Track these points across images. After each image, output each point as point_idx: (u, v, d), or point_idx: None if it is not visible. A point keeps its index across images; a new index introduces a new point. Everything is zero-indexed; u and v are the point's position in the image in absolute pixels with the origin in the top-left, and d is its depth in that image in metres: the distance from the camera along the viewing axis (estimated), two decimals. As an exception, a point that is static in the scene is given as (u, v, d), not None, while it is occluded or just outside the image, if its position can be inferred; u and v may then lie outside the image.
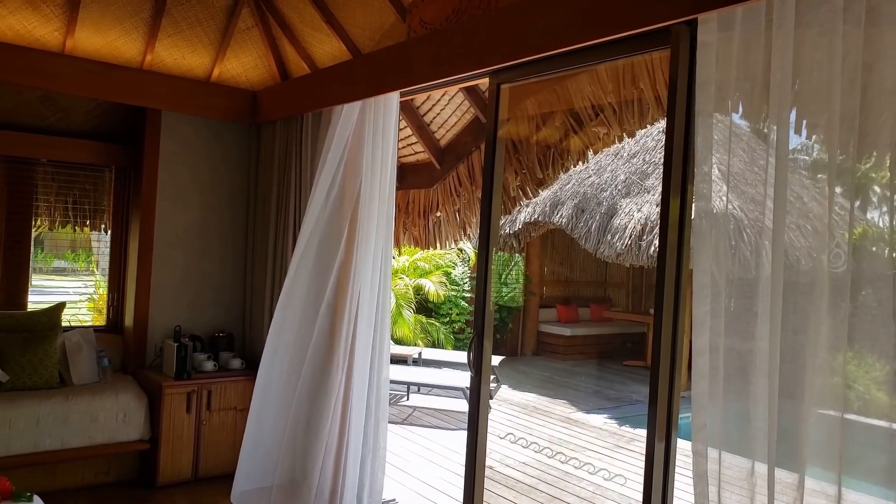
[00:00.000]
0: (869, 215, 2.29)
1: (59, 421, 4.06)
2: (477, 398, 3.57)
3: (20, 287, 4.70)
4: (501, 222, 9.47)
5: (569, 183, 9.07)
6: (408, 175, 5.23)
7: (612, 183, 8.58)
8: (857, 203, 2.07)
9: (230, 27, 4.64)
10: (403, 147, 5.14)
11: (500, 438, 6.18)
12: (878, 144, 2.01)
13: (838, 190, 2.07)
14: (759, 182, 2.30)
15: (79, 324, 4.89)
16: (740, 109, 2.42)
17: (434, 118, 4.77)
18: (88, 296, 6.27)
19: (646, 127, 3.92)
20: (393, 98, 3.94)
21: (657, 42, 2.62)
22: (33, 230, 4.80)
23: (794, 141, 2.26)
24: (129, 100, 4.64)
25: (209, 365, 4.63)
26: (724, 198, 2.52)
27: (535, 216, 9.08)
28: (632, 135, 3.92)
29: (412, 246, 5.43)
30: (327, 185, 4.08)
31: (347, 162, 4.03)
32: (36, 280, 5.33)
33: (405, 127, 4.94)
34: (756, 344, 2.20)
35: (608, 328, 11.46)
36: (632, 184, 8.33)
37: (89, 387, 4.34)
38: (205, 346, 4.86)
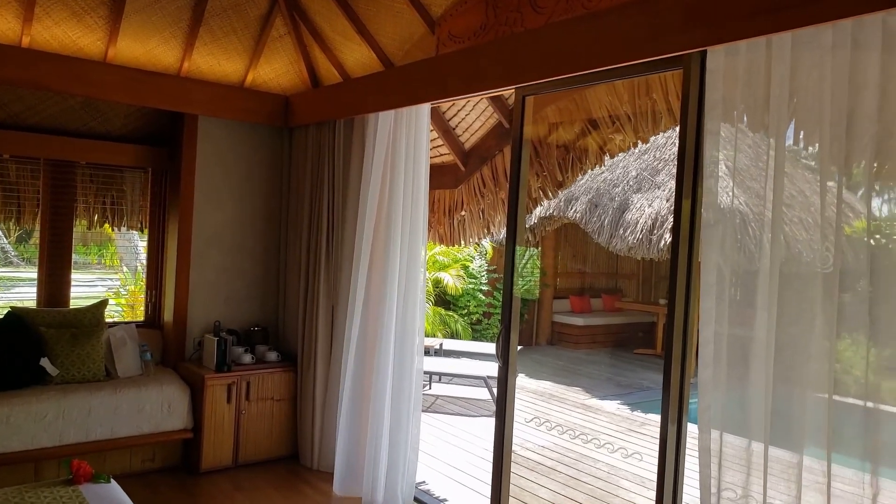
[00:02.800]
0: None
1: (108, 411, 4.32)
2: (504, 387, 3.81)
3: (63, 284, 4.96)
4: (516, 216, 9.68)
5: (583, 178, 9.25)
6: (434, 175, 5.44)
7: (625, 179, 8.77)
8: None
9: (264, 35, 4.85)
10: (430, 150, 5.36)
11: (522, 424, 6.44)
12: (864, 157, 2.24)
13: (830, 184, 2.31)
14: (761, 177, 2.55)
15: (110, 319, 5.13)
16: (745, 121, 2.65)
17: (459, 123, 4.98)
18: (115, 290, 6.55)
19: (658, 134, 4.12)
20: (425, 107, 4.15)
21: (671, 64, 2.83)
22: (74, 229, 5.04)
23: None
24: (168, 106, 4.87)
25: (247, 357, 4.89)
26: (731, 193, 2.73)
27: (550, 211, 9.29)
28: (645, 140, 4.13)
29: (437, 243, 5.64)
30: (378, 188, 4.29)
31: (385, 167, 4.24)
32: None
33: (432, 130, 5.15)
34: (755, 333, 2.44)
35: (620, 318, 11.69)
36: (643, 180, 8.52)
37: (134, 379, 4.60)
38: (241, 339, 5.11)
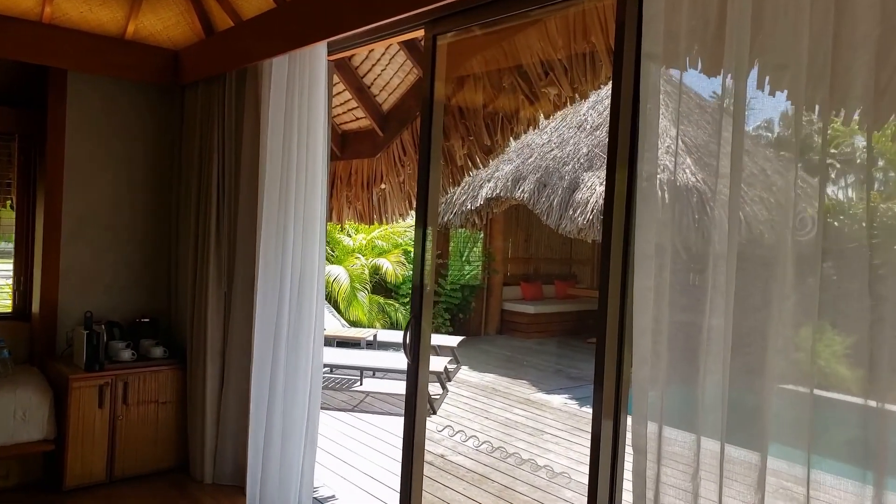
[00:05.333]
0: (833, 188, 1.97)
1: (-55, 421, 3.59)
2: (414, 387, 3.22)
3: None
4: (461, 198, 9.09)
5: (531, 157, 8.70)
6: (350, 143, 4.80)
7: (575, 156, 8.23)
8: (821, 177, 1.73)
9: (142, -24, 4.12)
10: (344, 112, 4.70)
11: (452, 427, 5.85)
12: (847, 98, 1.68)
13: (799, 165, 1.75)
14: (714, 147, 1.97)
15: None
16: (699, 65, 2.09)
17: (375, 80, 4.33)
18: None
19: (599, 88, 3.56)
20: (320, 53, 3.50)
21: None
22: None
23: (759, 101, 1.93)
24: (25, 57, 4.10)
25: (126, 354, 4.18)
26: (672, 160, 2.19)
27: (497, 191, 8.71)
28: (584, 95, 3.55)
29: (356, 221, 5.02)
30: (276, 155, 3.61)
31: (283, 129, 3.57)
32: None
33: (343, 90, 4.49)
34: (708, 320, 1.91)
35: (572, 305, 11.21)
36: (595, 157, 7.99)
37: (-16, 381, 3.86)
38: (124, 333, 4.40)
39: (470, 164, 4.17)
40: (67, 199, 4.35)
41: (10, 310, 4.55)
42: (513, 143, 8.79)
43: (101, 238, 4.49)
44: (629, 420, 2.20)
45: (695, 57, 2.08)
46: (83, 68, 4.30)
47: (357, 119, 4.56)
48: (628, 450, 2.20)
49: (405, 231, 9.86)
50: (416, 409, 3.24)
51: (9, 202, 4.59)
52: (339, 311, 8.76)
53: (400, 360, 6.80)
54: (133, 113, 4.59)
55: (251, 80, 3.83)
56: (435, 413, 6.23)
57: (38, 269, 4.36)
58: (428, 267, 3.16)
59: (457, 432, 5.30)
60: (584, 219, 7.57)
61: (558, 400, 7.05)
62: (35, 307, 4.39)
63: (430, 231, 3.14)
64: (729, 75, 1.92)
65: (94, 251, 4.47)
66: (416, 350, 3.19)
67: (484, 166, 4.27)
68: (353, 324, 8.77)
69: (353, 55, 4.27)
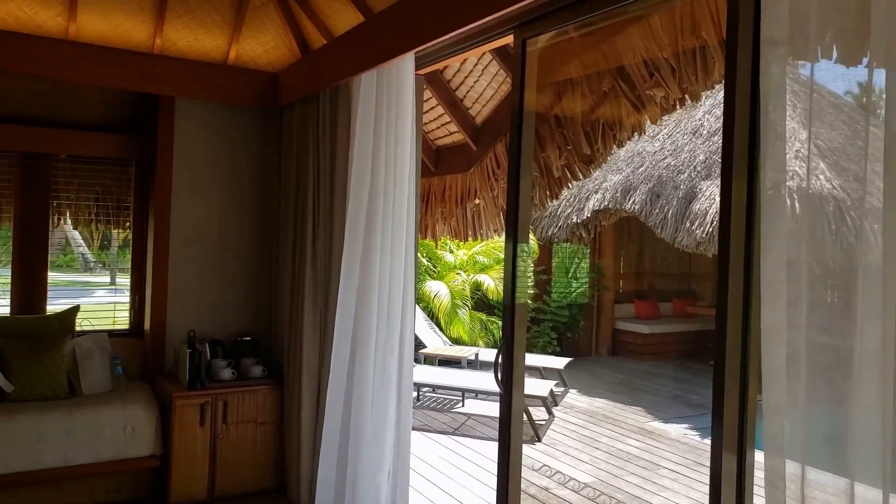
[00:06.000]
0: None
1: (61, 436, 3.75)
2: (508, 416, 3.00)
3: (38, 291, 4.47)
4: (566, 211, 8.73)
5: (642, 166, 8.23)
6: (444, 158, 4.67)
7: (691, 164, 7.67)
8: None
9: (243, 3, 4.20)
10: (437, 128, 4.58)
11: (556, 457, 5.52)
12: None
13: None
14: (854, 150, 1.62)
15: (91, 328, 4.59)
16: (834, 54, 1.77)
17: (468, 92, 4.17)
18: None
19: (712, 88, 3.19)
20: (408, 66, 3.38)
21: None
22: (51, 229, 4.56)
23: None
24: (137, 87, 4.31)
25: (226, 373, 4.25)
26: (804, 166, 1.85)
27: (606, 203, 8.29)
28: (696, 97, 3.20)
29: (450, 237, 4.87)
30: (364, 172, 3.55)
31: (359, 144, 3.50)
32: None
33: (436, 105, 4.37)
34: (859, 342, 1.60)
35: (692, 325, 10.46)
36: (713, 164, 7.41)
37: (97, 397, 4.03)
38: (226, 351, 4.48)
39: (569, 175, 3.90)
40: (175, 221, 4.50)
41: (127, 327, 4.76)
42: (618, 152, 8.36)
43: (206, 258, 4.62)
44: (757, 455, 1.89)
45: (828, 44, 1.75)
46: (190, 94, 4.45)
47: (450, 133, 4.42)
48: (756, 489, 1.89)
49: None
50: (510, 439, 3.02)
51: (127, 224, 4.84)
52: (440, 328, 8.66)
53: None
54: (236, 136, 4.71)
55: (343, 98, 3.79)
56: (540, 440, 5.92)
57: (149, 288, 4.54)
58: (520, 284, 2.94)
59: (555, 473, 4.96)
60: (702, 231, 7.01)
61: (677, 430, 6.52)
62: (147, 324, 4.56)
63: (521, 247, 2.93)
64: (876, 63, 1.58)
65: (200, 271, 4.59)
66: (508, 375, 2.98)
67: (584, 177, 3.99)
68: (455, 341, 8.63)
69: (444, 68, 4.15)
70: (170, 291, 4.50)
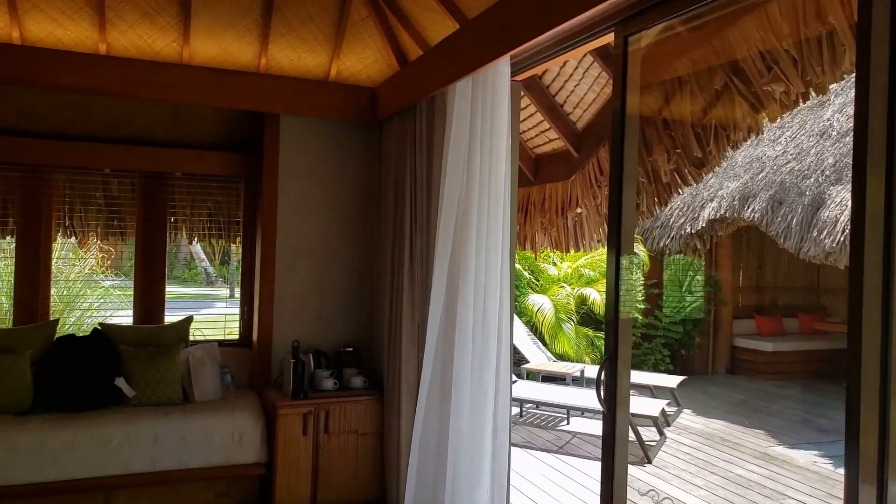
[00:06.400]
0: None
1: (175, 440, 3.93)
2: (612, 438, 2.81)
3: (157, 302, 4.74)
4: (679, 221, 8.28)
5: (762, 171, 7.66)
6: (543, 166, 4.53)
7: (818, 168, 7.06)
8: None
9: (343, 20, 4.30)
10: (536, 135, 4.45)
11: (669, 482, 5.17)
12: None
13: None
14: None
15: (201, 337, 4.81)
16: None
17: (568, 97, 4.02)
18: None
19: (841, 78, 2.86)
20: (503, 72, 3.29)
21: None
22: (168, 244, 4.83)
23: None
24: (244, 105, 4.49)
25: (329, 383, 4.30)
26: None
27: (722, 212, 7.78)
28: (821, 90, 2.88)
29: (551, 249, 4.70)
30: (457, 182, 3.51)
31: (452, 154, 3.44)
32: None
33: (535, 112, 4.24)
34: None
35: (822, 342, 9.60)
36: (843, 168, 6.77)
37: (208, 404, 4.20)
38: (329, 361, 4.55)
39: (678, 180, 3.65)
40: (281, 234, 4.64)
41: (237, 337, 4.95)
42: (734, 157, 7.83)
43: (310, 269, 4.72)
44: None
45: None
46: (293, 111, 4.59)
47: (550, 141, 4.27)
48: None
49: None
50: (613, 461, 2.82)
51: (238, 238, 5.04)
52: (544, 343, 8.42)
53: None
54: (339, 151, 4.79)
55: (439, 108, 3.75)
56: (650, 462, 5.59)
57: (256, 301, 4.70)
58: (626, 298, 2.76)
59: (664, 497, 4.63)
60: (832, 241, 6.40)
61: (805, 457, 5.95)
62: (255, 335, 4.72)
63: (627, 258, 2.75)
64: None
65: (304, 282, 4.70)
66: (612, 394, 2.79)
67: (696, 182, 3.71)
68: (560, 357, 8.36)
69: (543, 73, 4.02)
70: (276, 303, 4.63)
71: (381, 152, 4.62)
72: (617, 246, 2.72)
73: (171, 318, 4.74)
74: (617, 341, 2.78)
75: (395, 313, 4.15)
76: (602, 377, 2.78)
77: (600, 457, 5.51)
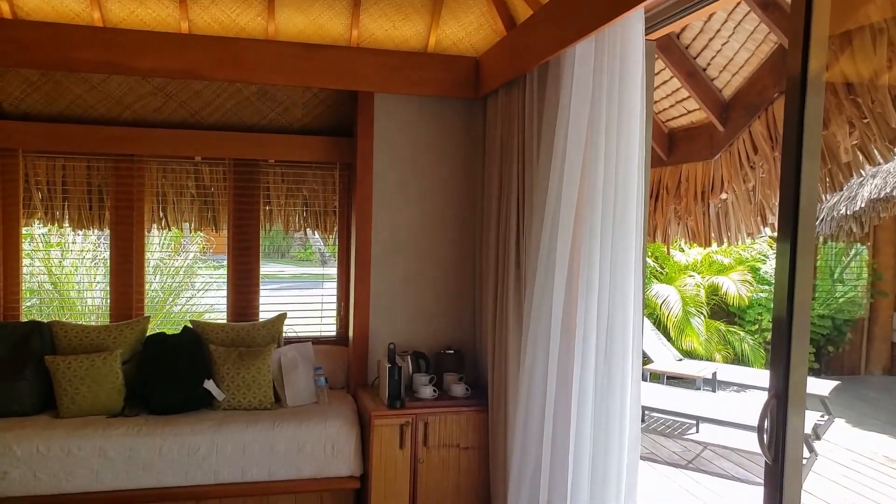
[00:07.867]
0: None
1: (264, 449, 3.65)
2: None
3: (250, 297, 4.49)
4: (831, 202, 7.16)
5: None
6: (679, 144, 3.82)
7: None
8: None
9: (442, -19, 3.78)
10: (670, 106, 3.74)
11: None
12: None
13: None
14: None
15: (295, 335, 4.50)
16: None
17: (713, 57, 3.29)
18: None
19: None
20: (635, 29, 2.65)
21: None
22: (262, 235, 4.56)
23: None
24: (336, 83, 4.07)
25: (427, 391, 3.88)
26: None
27: (886, 190, 6.61)
28: None
29: (688, 241, 3.99)
30: (576, 164, 2.93)
31: (572, 130, 2.85)
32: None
33: (670, 78, 3.54)
34: None
35: None
36: None
37: (300, 410, 3.90)
38: (429, 364, 4.13)
39: (862, 158, 2.86)
40: (376, 226, 4.23)
41: (334, 334, 4.63)
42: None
43: (407, 265, 4.30)
44: None
45: None
46: (388, 89, 4.13)
47: (688, 112, 3.56)
48: None
49: (753, 242, 8.20)
50: None
51: (335, 228, 4.69)
52: (668, 340, 7.60)
53: (746, 411, 5.44)
54: (437, 133, 4.30)
55: (553, 76, 3.15)
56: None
57: (352, 296, 4.34)
58: (799, 310, 2.06)
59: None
60: None
61: None
62: (351, 333, 4.37)
63: (801, 249, 2.04)
64: None
65: (401, 278, 4.29)
66: (779, 442, 2.12)
67: (885, 161, 2.92)
68: (687, 354, 7.51)
69: (682, 30, 3.31)
70: (372, 299, 4.25)
71: (485, 132, 4.09)
72: (793, 232, 2.01)
73: (268, 307, 4.46)
74: (788, 372, 2.09)
75: (502, 313, 3.64)
76: (766, 423, 2.12)
77: (741, 475, 4.70)
